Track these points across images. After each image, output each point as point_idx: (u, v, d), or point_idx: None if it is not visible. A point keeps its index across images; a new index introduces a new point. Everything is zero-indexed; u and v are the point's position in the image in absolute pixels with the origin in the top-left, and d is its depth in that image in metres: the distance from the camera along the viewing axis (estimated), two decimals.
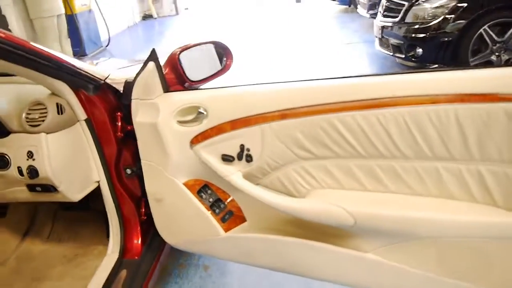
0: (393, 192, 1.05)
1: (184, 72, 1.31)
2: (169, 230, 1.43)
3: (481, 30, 3.59)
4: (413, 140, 0.96)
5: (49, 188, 1.33)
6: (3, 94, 1.38)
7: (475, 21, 3.59)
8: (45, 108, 1.27)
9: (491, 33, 3.59)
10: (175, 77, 1.32)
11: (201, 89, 1.32)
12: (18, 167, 1.29)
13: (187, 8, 12.77)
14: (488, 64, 3.72)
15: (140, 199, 1.49)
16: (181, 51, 1.32)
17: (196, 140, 1.21)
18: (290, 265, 1.26)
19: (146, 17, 11.60)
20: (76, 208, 1.97)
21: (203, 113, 1.19)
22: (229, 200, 1.32)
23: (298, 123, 1.07)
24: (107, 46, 7.52)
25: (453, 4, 3.62)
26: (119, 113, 1.36)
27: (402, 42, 4.00)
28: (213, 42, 1.44)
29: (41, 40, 5.68)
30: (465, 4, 3.59)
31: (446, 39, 3.67)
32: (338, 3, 8.93)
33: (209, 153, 1.21)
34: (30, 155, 1.27)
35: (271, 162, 1.16)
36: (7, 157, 1.30)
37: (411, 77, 0.96)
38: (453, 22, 3.62)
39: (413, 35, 3.85)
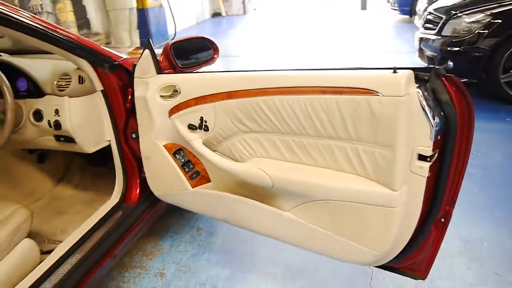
0: (304, 163, 1.34)
1: (174, 59, 1.69)
2: (155, 184, 1.81)
3: None
4: (312, 122, 1.24)
5: (69, 139, 1.77)
6: (43, 66, 1.84)
7: (509, 38, 3.60)
8: (70, 78, 1.71)
9: None
10: (168, 64, 1.70)
11: (183, 73, 1.68)
12: (48, 121, 1.75)
13: (255, 9, 13.31)
14: None
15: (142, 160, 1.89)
16: (173, 43, 1.70)
17: (172, 111, 1.58)
18: (236, 218, 1.59)
19: (215, 15, 12.31)
20: (100, 165, 2.45)
21: (177, 91, 1.55)
22: (198, 163, 1.67)
23: (238, 102, 1.39)
24: (173, 39, 8.18)
25: (488, 20, 3.66)
26: (130, 89, 1.77)
27: (436, 54, 4.09)
28: (203, 38, 1.80)
29: (114, 29, 6.45)
30: (499, 21, 3.62)
31: (477, 54, 3.71)
32: (399, 12, 8.89)
33: (180, 122, 1.57)
34: (56, 112, 1.72)
35: (221, 132, 1.49)
36: (42, 112, 1.76)
37: (311, 72, 1.25)
38: (486, 38, 3.67)
39: (447, 48, 3.93)
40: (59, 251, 1.57)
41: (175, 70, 1.72)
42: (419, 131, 1.08)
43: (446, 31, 4.01)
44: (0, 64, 1.76)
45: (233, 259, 2.10)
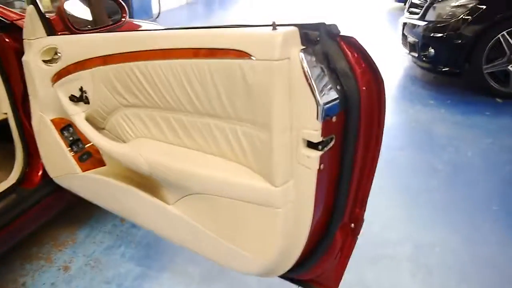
0: (187, 147, 1.08)
1: (69, 20, 1.41)
2: (48, 164, 1.55)
3: (499, 35, 3.30)
4: (188, 94, 0.98)
5: None
6: None
7: (494, 25, 3.31)
8: None
9: (510, 40, 3.30)
10: (63, 25, 1.43)
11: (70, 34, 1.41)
12: None
13: None
14: (506, 74, 3.43)
15: None
16: (68, 1, 1.42)
17: (54, 79, 1.31)
18: (125, 210, 1.33)
19: None
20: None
21: (58, 54, 1.28)
22: (89, 143, 1.41)
23: (113, 69, 1.12)
24: (156, 18, 7.87)
25: (473, 4, 3.36)
26: None
27: (417, 40, 3.80)
28: None
29: None
30: (484, 6, 3.32)
31: (460, 41, 3.42)
32: (395, 0, 8.57)
33: (62, 92, 1.30)
34: None
35: (102, 106, 1.23)
36: None
37: (185, 31, 0.97)
38: (470, 24, 3.37)
39: (430, 34, 3.64)
40: None
41: (71, 33, 1.44)
42: (304, 109, 0.82)
43: (430, 16, 3.71)
44: None
45: (150, 255, 1.85)
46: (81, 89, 1.25)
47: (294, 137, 0.85)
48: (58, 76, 1.30)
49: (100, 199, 1.41)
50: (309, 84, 0.79)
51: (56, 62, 1.29)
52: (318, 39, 0.82)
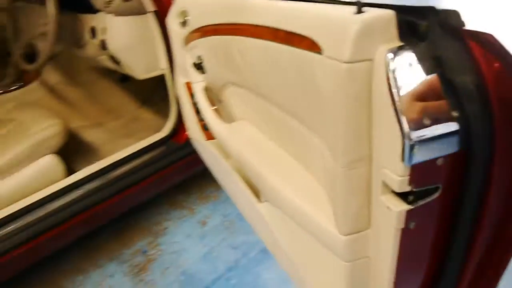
0: (275, 143, 0.91)
1: None
2: (187, 125, 1.57)
3: None
4: (272, 84, 0.78)
5: (116, 60, 1.65)
6: None
7: None
8: None
9: None
10: None
11: None
12: (100, 40, 1.65)
13: None
14: None
15: None
16: None
17: (185, 43, 1.28)
18: (227, 190, 1.29)
19: None
20: None
21: (188, 18, 1.23)
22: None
23: (220, 41, 0.99)
24: None
25: None
26: None
27: None
28: None
29: None
30: None
31: None
32: None
33: (188, 58, 1.27)
34: (104, 31, 1.60)
35: (215, 79, 1.13)
36: (95, 29, 1.67)
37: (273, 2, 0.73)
38: None
39: None
40: (85, 172, 1.54)
41: None
42: (386, 139, 0.54)
43: None
44: None
45: None
46: (199, 57, 1.18)
47: (374, 173, 0.59)
48: (187, 40, 1.25)
49: (215, 172, 1.37)
50: (393, 103, 0.50)
51: (187, 26, 1.24)
52: (428, 32, 0.51)
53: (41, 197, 1.42)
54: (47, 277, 1.67)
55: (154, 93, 2.37)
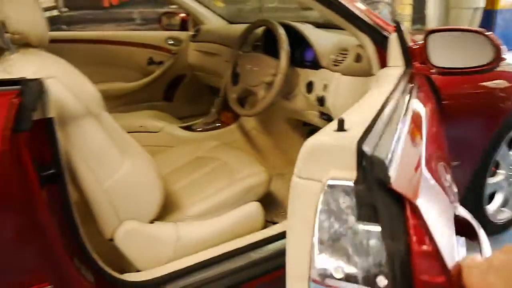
0: None
1: (427, 53, 1.28)
2: None
3: None
4: None
5: (330, 118, 1.63)
6: (327, 38, 1.73)
7: None
8: (347, 54, 1.54)
9: None
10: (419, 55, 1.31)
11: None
12: (316, 95, 1.65)
13: None
14: None
15: None
16: (431, 32, 1.28)
17: None
18: None
19: None
20: None
21: None
22: None
23: None
24: None
25: None
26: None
27: None
28: (479, 32, 1.25)
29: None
30: None
31: None
32: None
33: None
34: (325, 87, 1.60)
35: None
36: (313, 84, 1.68)
37: None
38: None
39: None
40: (284, 225, 1.50)
41: (429, 69, 1.30)
42: None
43: None
44: (288, 29, 1.76)
45: None
46: None
47: None
48: None
49: None
50: None
51: None
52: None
53: (244, 244, 1.39)
54: None
55: None
